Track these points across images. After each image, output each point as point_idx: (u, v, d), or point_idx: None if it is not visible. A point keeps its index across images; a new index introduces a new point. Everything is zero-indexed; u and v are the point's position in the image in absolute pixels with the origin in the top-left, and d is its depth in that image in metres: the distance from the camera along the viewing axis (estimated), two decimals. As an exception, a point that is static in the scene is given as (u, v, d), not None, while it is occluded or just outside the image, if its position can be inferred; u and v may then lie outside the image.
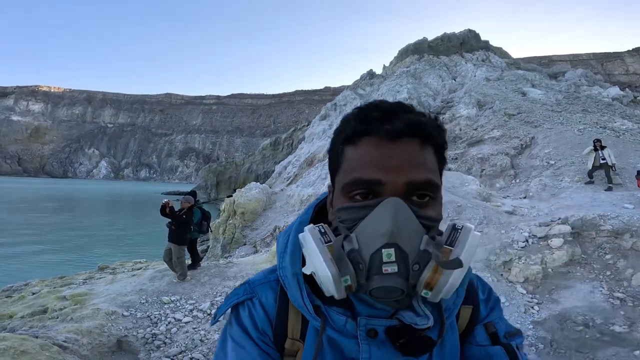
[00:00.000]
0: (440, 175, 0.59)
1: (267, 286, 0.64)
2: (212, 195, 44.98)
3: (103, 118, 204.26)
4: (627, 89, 30.58)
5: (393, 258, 0.50)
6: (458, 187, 9.81)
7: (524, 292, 5.23)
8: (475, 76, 26.41)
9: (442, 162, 0.59)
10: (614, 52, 52.07)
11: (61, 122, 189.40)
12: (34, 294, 6.40)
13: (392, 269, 0.50)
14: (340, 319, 0.57)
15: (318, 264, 0.52)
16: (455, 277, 0.52)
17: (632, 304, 4.50)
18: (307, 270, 0.55)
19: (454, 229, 0.56)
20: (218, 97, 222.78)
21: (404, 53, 33.90)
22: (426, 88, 26.01)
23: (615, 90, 24.63)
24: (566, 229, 6.65)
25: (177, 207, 6.69)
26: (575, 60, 49.22)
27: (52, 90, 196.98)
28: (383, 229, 0.50)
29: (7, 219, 28.80)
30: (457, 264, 0.51)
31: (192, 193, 7.08)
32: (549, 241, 6.53)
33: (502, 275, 6.02)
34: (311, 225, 0.58)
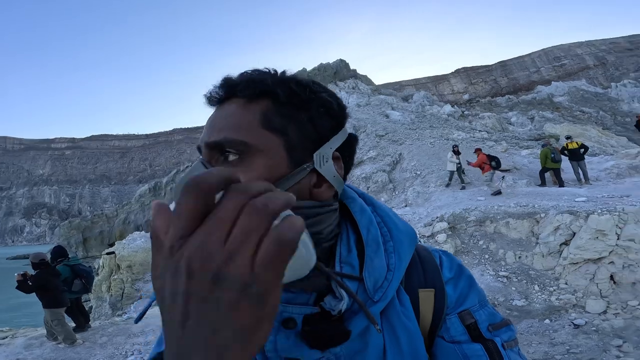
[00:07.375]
0: (280, 133, 0.47)
1: None
2: (79, 254, 37.80)
3: None
4: (455, 106, 39.14)
5: None
6: (354, 205, 10.73)
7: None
8: (348, 103, 29.74)
9: (278, 119, 0.48)
10: (442, 75, 65.43)
11: None
12: None
13: None
14: None
15: None
16: None
17: (516, 280, 5.62)
18: None
19: None
20: (73, 139, 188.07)
21: (286, 85, 35.84)
22: (308, 118, 27.86)
23: (448, 108, 31.22)
24: (444, 225, 7.96)
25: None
26: (417, 84, 60.37)
27: None
28: None
29: None
30: None
31: (59, 248, 6.26)
32: (436, 238, 7.70)
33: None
34: None
